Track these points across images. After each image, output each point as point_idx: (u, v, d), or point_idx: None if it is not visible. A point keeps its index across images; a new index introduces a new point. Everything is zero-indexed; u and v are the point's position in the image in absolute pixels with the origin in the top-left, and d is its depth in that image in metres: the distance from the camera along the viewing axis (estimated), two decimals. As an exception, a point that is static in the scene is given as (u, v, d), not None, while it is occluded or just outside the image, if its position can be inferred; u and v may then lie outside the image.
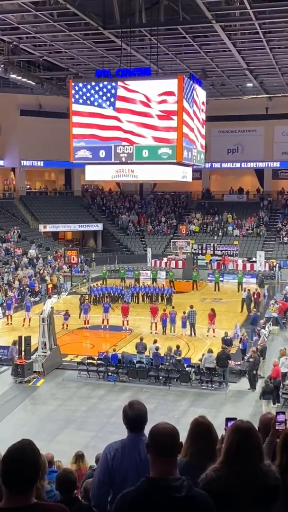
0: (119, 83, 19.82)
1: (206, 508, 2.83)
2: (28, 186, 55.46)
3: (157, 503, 2.78)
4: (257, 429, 3.33)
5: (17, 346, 22.38)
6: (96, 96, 19.97)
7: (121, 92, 19.73)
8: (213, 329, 26.94)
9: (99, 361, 22.03)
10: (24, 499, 2.65)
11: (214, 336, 26.49)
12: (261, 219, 50.79)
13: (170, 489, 2.81)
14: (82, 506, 4.76)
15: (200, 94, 21.65)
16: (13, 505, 2.63)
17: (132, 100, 19.61)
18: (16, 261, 40.61)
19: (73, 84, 20.75)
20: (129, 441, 4.13)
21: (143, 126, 19.63)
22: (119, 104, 19.74)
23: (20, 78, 34.73)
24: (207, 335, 26.87)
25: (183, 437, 3.51)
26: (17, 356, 21.95)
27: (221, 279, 39.33)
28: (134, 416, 4.13)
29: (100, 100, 19.97)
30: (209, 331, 27.02)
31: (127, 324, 28.41)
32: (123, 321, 28.34)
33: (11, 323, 29.76)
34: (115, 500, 2.96)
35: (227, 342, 23.41)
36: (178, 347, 22.69)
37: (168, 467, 2.92)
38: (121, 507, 2.87)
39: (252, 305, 30.90)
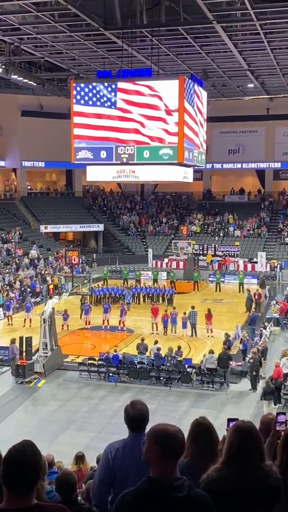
0: (120, 83, 19.83)
1: (207, 508, 2.83)
2: (29, 187, 55.47)
3: (158, 503, 2.77)
4: (258, 429, 3.32)
5: (16, 344, 22.38)
6: (98, 96, 19.97)
7: (122, 92, 19.73)
8: (211, 329, 26.96)
9: (100, 362, 22.03)
10: (25, 500, 2.65)
11: (212, 336, 26.55)
12: (262, 220, 50.77)
13: (171, 489, 2.80)
14: (81, 508, 4.75)
15: (201, 94, 21.65)
16: (13, 506, 2.62)
17: (133, 100, 19.61)
18: (17, 261, 40.62)
19: (74, 85, 20.76)
20: (130, 441, 4.13)
21: (144, 127, 19.64)
22: (120, 104, 19.74)
23: (21, 78, 34.76)
24: (208, 336, 26.88)
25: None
26: (18, 356, 21.95)
27: (222, 279, 39.34)
28: (136, 415, 4.12)
29: (102, 101, 19.97)
30: (207, 331, 27.03)
31: (122, 325, 28.53)
32: (120, 321, 28.46)
33: (11, 324, 29.77)
34: (117, 499, 2.95)
35: (230, 343, 23.42)
36: (179, 347, 22.67)
37: (171, 469, 2.91)
38: (122, 506, 2.86)
39: (253, 305, 30.92)
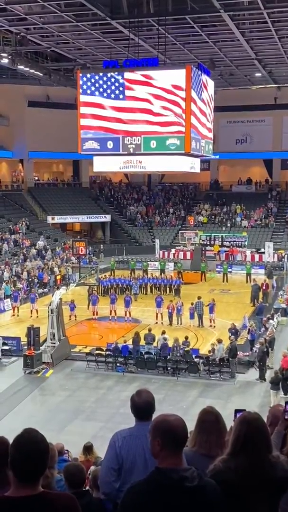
0: (127, 73, 19.76)
1: (217, 496, 2.83)
2: (36, 178, 55.52)
3: (169, 493, 2.76)
4: (265, 420, 3.31)
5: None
6: (105, 86, 19.93)
7: (129, 82, 19.67)
8: (213, 319, 26.98)
9: (107, 352, 22.10)
10: (32, 488, 2.65)
11: (214, 327, 26.65)
12: (269, 210, 50.61)
13: (182, 479, 2.79)
14: (92, 499, 4.74)
15: (209, 84, 21.54)
16: (20, 494, 2.63)
17: (140, 90, 19.55)
18: (25, 252, 40.73)
19: (80, 75, 20.73)
20: (137, 430, 4.14)
21: (151, 117, 19.57)
22: (127, 94, 19.69)
23: (27, 69, 34.69)
24: (210, 325, 26.92)
25: (191, 427, 3.50)
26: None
27: (229, 270, 39.30)
28: (142, 404, 4.13)
29: (108, 91, 19.92)
30: (211, 321, 27.05)
31: (128, 315, 28.60)
32: (126, 312, 28.53)
33: (17, 315, 29.89)
34: (125, 491, 2.91)
35: (237, 332, 23.46)
36: (186, 338, 22.71)
37: (178, 459, 2.90)
38: (132, 498, 2.84)
39: (261, 295, 30.88)
